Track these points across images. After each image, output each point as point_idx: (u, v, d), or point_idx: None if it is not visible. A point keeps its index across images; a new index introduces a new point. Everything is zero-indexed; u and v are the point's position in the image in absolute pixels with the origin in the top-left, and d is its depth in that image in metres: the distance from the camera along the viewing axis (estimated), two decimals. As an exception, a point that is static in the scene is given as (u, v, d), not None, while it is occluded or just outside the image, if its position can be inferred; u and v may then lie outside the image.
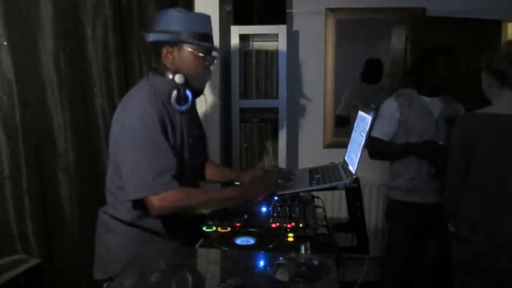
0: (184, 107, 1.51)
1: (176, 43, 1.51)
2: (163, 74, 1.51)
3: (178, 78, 1.49)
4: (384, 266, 2.50)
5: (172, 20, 1.50)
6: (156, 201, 1.38)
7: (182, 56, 1.52)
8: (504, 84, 1.76)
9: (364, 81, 3.21)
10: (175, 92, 1.49)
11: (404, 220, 2.38)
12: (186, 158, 1.56)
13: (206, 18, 1.56)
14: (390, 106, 2.34)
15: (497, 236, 1.71)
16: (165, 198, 1.39)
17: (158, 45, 1.53)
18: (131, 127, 1.43)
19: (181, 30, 1.49)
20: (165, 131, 1.45)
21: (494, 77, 1.78)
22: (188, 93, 1.51)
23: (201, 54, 1.52)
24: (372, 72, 3.18)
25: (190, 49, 1.51)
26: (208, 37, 1.55)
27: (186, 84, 1.50)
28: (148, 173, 1.38)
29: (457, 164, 1.85)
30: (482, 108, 1.82)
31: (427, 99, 2.35)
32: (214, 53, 1.57)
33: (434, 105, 2.34)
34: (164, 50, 1.52)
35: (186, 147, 1.57)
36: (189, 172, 1.59)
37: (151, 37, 1.52)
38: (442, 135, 2.31)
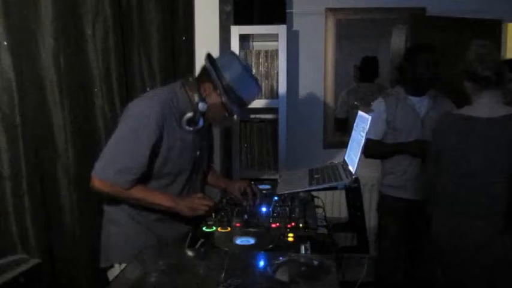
0: (190, 128, 1.59)
1: (219, 89, 1.58)
2: (192, 92, 1.60)
3: (201, 106, 1.58)
4: (379, 263, 2.51)
5: (235, 73, 1.58)
6: (97, 182, 1.53)
7: (216, 100, 1.61)
8: (476, 87, 1.80)
9: (361, 81, 3.18)
10: (190, 114, 1.57)
11: (395, 215, 2.41)
12: (181, 166, 1.64)
13: (257, 92, 1.69)
14: (378, 107, 2.38)
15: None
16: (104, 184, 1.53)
17: (209, 76, 1.59)
18: (128, 121, 1.55)
19: (234, 87, 1.57)
20: (159, 138, 1.54)
21: (468, 80, 1.81)
22: (201, 121, 1.60)
23: (227, 114, 1.64)
24: (367, 70, 3.15)
25: (226, 103, 1.59)
26: (245, 105, 1.68)
27: (203, 114, 1.59)
28: (116, 165, 1.51)
29: (431, 155, 1.98)
30: (461, 109, 1.87)
31: (414, 98, 2.38)
32: (236, 117, 1.68)
33: (421, 104, 2.37)
34: (209, 84, 1.60)
35: (187, 158, 1.65)
36: (194, 177, 1.72)
37: (209, 68, 1.58)
38: (429, 134, 2.33)
